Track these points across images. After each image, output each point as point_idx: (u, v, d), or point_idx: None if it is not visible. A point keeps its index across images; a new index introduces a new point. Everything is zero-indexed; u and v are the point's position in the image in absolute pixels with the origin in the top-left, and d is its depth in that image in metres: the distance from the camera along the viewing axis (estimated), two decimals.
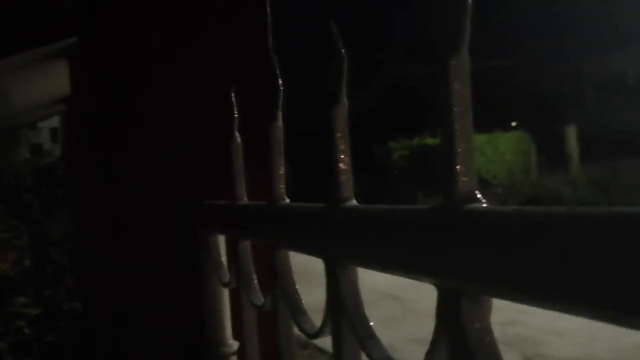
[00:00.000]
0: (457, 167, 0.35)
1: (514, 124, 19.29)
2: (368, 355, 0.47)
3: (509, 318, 4.09)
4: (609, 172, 14.03)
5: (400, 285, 5.40)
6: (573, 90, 23.02)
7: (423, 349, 0.39)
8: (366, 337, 0.48)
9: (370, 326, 0.48)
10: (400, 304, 4.87)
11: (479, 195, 0.35)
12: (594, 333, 3.85)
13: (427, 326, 0.38)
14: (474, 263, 0.32)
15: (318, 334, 0.55)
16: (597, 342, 3.66)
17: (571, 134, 15.09)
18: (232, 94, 0.73)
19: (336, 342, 0.51)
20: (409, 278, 0.39)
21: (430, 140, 14.23)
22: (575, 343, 3.69)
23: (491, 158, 14.65)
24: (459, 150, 0.35)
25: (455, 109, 0.34)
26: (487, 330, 0.34)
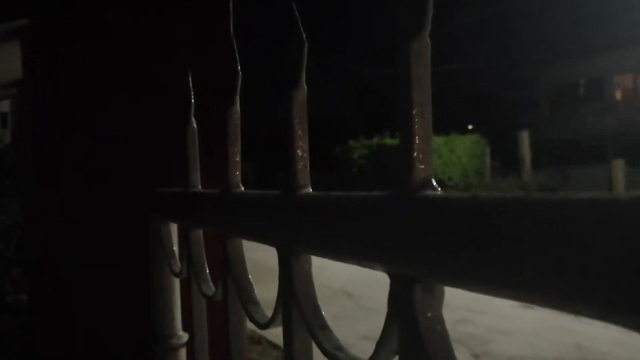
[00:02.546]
0: (414, 153, 0.34)
1: (470, 127, 19.71)
2: (319, 346, 0.46)
3: (460, 317, 4.18)
4: (559, 178, 14.54)
5: (355, 282, 5.43)
6: (528, 97, 23.71)
7: None
8: (318, 327, 0.47)
9: (322, 316, 0.47)
10: (354, 301, 4.90)
11: (434, 183, 0.34)
12: (539, 332, 3.97)
13: (380, 323, 0.38)
14: (428, 250, 0.32)
15: (269, 324, 0.54)
16: (542, 341, 3.78)
17: (524, 139, 15.51)
18: (189, 78, 0.71)
19: (287, 332, 0.50)
20: (362, 266, 0.39)
21: (389, 141, 14.41)
22: (522, 342, 3.80)
23: (447, 160, 14.94)
24: (417, 136, 0.34)
25: (415, 93, 0.34)
26: (439, 319, 0.34)
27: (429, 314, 0.33)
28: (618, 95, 22.17)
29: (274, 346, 3.74)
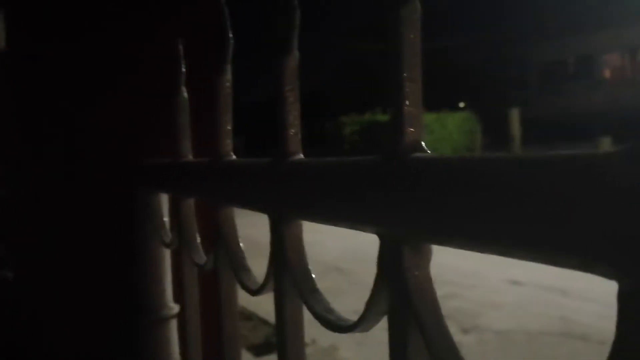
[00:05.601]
0: (404, 116, 0.35)
1: (461, 104, 19.71)
2: (310, 309, 0.47)
3: (449, 292, 4.23)
4: None
5: (346, 258, 5.48)
6: (518, 74, 23.70)
7: None
8: (308, 292, 0.48)
9: (313, 280, 0.48)
10: (345, 277, 4.95)
11: (424, 145, 0.35)
12: (525, 306, 4.04)
13: None
14: (418, 210, 0.32)
15: (260, 289, 0.55)
16: (529, 315, 3.84)
17: (514, 116, 15.55)
18: (180, 47, 0.71)
19: (278, 297, 0.51)
20: (353, 229, 0.39)
21: (380, 116, 14.38)
22: (510, 316, 3.86)
23: (439, 136, 14.96)
24: (407, 99, 0.35)
25: (405, 57, 0.34)
26: (427, 278, 0.35)
27: (416, 273, 0.34)
28: (607, 73, 22.24)
29: (265, 322, 3.78)
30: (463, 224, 0.30)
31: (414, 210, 0.33)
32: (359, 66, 23.63)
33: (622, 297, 0.22)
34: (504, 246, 0.27)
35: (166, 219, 0.90)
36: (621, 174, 0.21)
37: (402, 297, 0.35)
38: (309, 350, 0.65)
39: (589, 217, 0.22)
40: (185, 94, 0.72)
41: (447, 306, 3.94)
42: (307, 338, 0.52)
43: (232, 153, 0.61)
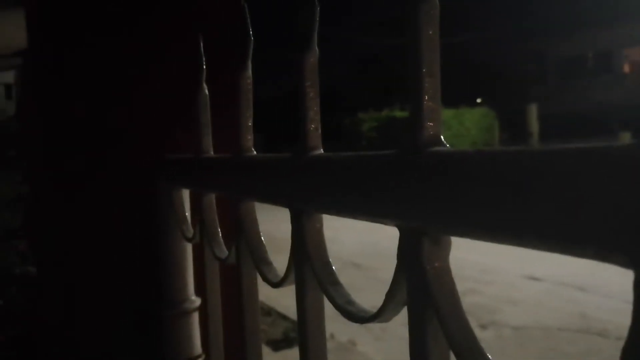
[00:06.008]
0: (424, 111, 0.36)
1: (479, 100, 19.55)
2: (331, 301, 0.48)
3: (468, 287, 4.22)
4: None
5: (363, 255, 5.49)
6: (536, 69, 23.43)
7: None
8: (329, 284, 0.49)
9: (333, 273, 0.49)
10: (362, 272, 4.96)
11: (442, 139, 0.35)
12: (544, 302, 4.01)
13: None
14: (437, 203, 0.33)
15: (282, 282, 0.56)
16: (547, 311, 3.82)
17: (532, 112, 15.40)
18: (200, 43, 0.72)
19: (299, 289, 0.52)
20: (373, 222, 0.40)
21: (398, 113, 14.34)
22: (527, 312, 3.84)
23: (457, 132, 14.88)
24: (426, 94, 0.36)
25: (424, 52, 0.35)
26: (446, 269, 0.35)
27: (436, 264, 0.35)
28: (626, 68, 21.91)
29: (284, 317, 3.80)
30: (481, 216, 0.30)
31: (433, 203, 0.34)
32: (377, 62, 23.54)
33: (638, 286, 0.22)
34: (521, 237, 0.28)
35: (188, 213, 0.92)
36: (637, 165, 0.22)
37: (422, 288, 0.35)
38: (327, 345, 0.66)
39: (605, 208, 0.23)
40: (206, 91, 0.74)
41: (465, 301, 3.88)
42: (326, 333, 0.54)
43: (252, 148, 0.63)
